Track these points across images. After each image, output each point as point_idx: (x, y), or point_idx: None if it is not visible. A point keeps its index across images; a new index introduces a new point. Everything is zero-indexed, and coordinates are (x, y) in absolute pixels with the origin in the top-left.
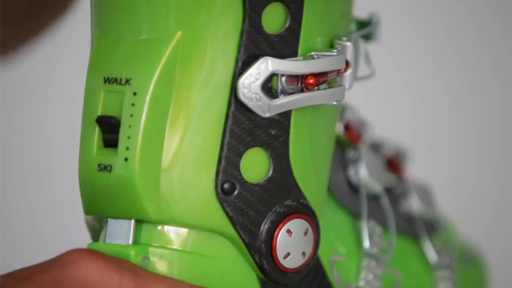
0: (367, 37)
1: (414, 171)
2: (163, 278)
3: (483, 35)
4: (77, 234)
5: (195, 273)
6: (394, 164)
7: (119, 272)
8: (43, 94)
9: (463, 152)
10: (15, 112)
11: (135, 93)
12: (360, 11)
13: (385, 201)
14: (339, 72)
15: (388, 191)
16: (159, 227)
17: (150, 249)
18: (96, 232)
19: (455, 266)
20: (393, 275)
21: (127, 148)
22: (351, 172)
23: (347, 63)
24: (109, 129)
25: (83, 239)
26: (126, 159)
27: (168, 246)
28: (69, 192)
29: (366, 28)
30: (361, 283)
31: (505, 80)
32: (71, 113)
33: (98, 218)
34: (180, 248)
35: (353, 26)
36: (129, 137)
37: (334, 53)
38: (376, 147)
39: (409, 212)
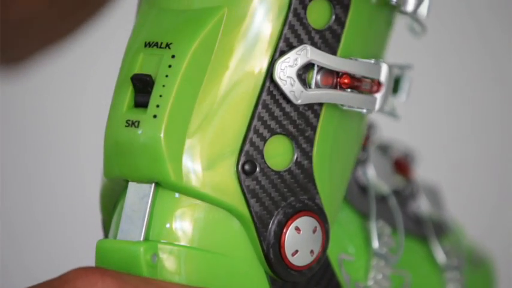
0: (394, 89)
1: (423, 172)
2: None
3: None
4: (77, 234)
5: (203, 269)
6: (402, 165)
7: None
8: (44, 94)
9: (471, 153)
10: (16, 112)
11: (173, 56)
12: None
13: (393, 202)
14: (372, 87)
15: (397, 192)
16: (167, 225)
17: (160, 245)
18: (108, 211)
19: (464, 268)
20: (402, 276)
21: (157, 106)
22: (359, 172)
23: (380, 83)
24: (142, 88)
25: (83, 239)
26: (154, 116)
27: (178, 243)
28: (70, 193)
29: (399, 64)
30: (370, 283)
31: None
32: (72, 114)
33: (115, 191)
34: (189, 245)
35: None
36: (161, 96)
37: (372, 61)
38: (384, 148)
39: (417, 214)
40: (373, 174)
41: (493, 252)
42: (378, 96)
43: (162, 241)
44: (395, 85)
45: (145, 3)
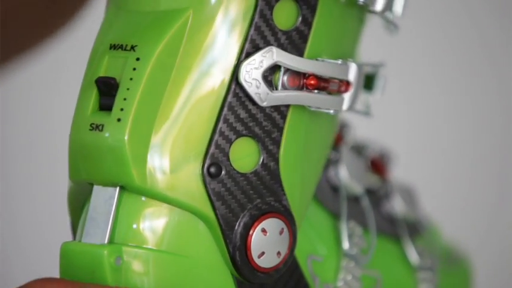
0: (369, 87)
1: (399, 173)
2: None
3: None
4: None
5: (171, 272)
6: (378, 165)
7: None
8: (44, 94)
9: (449, 153)
10: (16, 112)
11: (138, 59)
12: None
13: (365, 202)
14: (340, 87)
15: (372, 192)
16: (135, 225)
17: (124, 248)
18: (76, 213)
19: (437, 268)
20: (373, 276)
21: (121, 109)
22: (332, 173)
23: (348, 84)
24: (107, 91)
25: None
26: (118, 120)
27: (144, 246)
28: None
29: (371, 64)
30: (340, 284)
31: (487, 79)
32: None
33: (81, 194)
34: (156, 248)
35: (358, 58)
36: (125, 99)
37: (339, 62)
38: (360, 148)
39: (391, 214)
40: (346, 174)
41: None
42: (347, 96)
43: (127, 244)
44: (370, 83)
45: (112, 4)
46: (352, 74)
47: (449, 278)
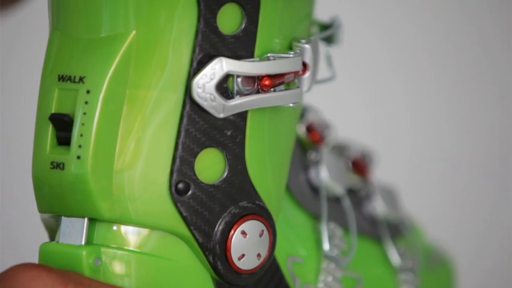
0: (329, 40)
1: (381, 173)
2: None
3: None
4: None
5: (151, 274)
6: (359, 166)
7: (63, 283)
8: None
9: (433, 152)
10: (16, 111)
11: (88, 91)
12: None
13: (346, 203)
14: (296, 74)
15: (353, 193)
16: (115, 227)
17: (103, 249)
18: (52, 231)
19: (419, 269)
20: (354, 278)
21: (79, 146)
22: (312, 174)
23: (305, 66)
24: (62, 127)
25: None
26: (78, 157)
27: (125, 247)
28: None
29: (326, 31)
30: (320, 285)
31: (479, 77)
32: None
33: (53, 216)
34: (136, 249)
35: (314, 29)
36: (81, 135)
37: (291, 55)
38: (341, 149)
39: (373, 215)
40: (326, 175)
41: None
42: (305, 78)
43: (107, 245)
44: (330, 36)
45: (54, 28)
46: (307, 56)
47: (431, 279)
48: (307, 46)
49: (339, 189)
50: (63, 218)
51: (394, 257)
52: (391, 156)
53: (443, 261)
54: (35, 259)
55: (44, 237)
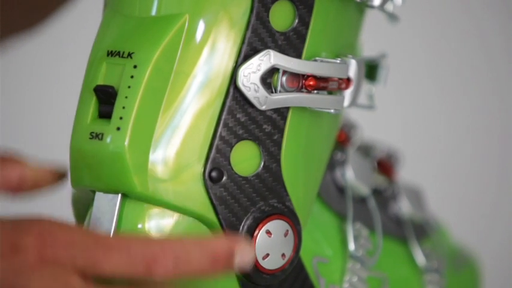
0: (372, 77)
1: (406, 173)
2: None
3: (476, 34)
4: None
5: None
6: (385, 166)
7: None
8: (44, 90)
9: (455, 154)
10: (16, 110)
11: (135, 66)
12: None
13: (372, 203)
14: (340, 85)
15: (379, 193)
16: (139, 225)
17: None
18: (80, 215)
19: (444, 270)
20: (379, 278)
21: (120, 118)
22: (338, 174)
23: (349, 80)
24: (105, 99)
25: None
26: (118, 129)
27: None
28: (69, 191)
29: (372, 57)
30: (345, 285)
31: (494, 83)
32: (71, 110)
33: (85, 194)
34: None
35: (359, 54)
36: (124, 107)
37: (338, 61)
38: (367, 149)
39: (398, 215)
40: (352, 175)
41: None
42: (347, 92)
43: None
44: (373, 73)
45: (109, 8)
46: (352, 71)
47: (457, 280)
48: (353, 61)
49: (364, 189)
50: (97, 195)
51: (420, 258)
52: (417, 156)
53: (469, 262)
54: None
55: None
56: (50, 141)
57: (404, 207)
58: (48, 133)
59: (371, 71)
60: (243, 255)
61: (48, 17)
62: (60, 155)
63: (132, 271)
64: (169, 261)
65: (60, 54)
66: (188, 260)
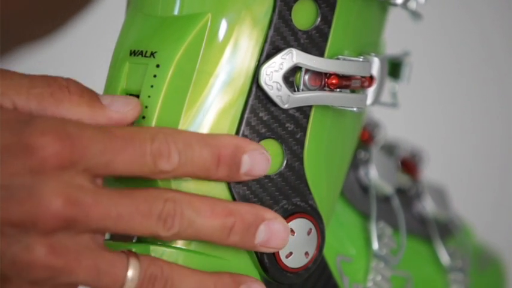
0: (395, 75)
1: (430, 172)
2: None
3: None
4: None
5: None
6: (409, 165)
7: None
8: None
9: (478, 153)
10: None
11: (158, 66)
12: None
13: (395, 202)
14: (363, 83)
15: (403, 192)
16: None
17: (152, 247)
18: None
19: (468, 269)
20: (403, 277)
21: (143, 117)
22: (362, 173)
23: (372, 78)
24: None
25: None
26: None
27: (172, 245)
28: None
29: (395, 55)
30: (369, 284)
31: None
32: None
33: None
34: (184, 247)
35: (382, 51)
36: (146, 107)
37: (360, 59)
38: (391, 148)
39: (422, 214)
40: (375, 174)
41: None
42: (370, 91)
43: (155, 243)
44: (397, 71)
45: (132, 8)
46: (375, 69)
47: (481, 279)
48: (376, 59)
49: (388, 188)
50: None
51: (444, 257)
52: (441, 155)
53: (494, 261)
54: None
55: None
56: None
57: (428, 206)
58: None
59: (394, 68)
60: (254, 161)
61: (61, 25)
62: None
63: (141, 168)
64: (175, 157)
65: (73, 61)
66: (192, 157)
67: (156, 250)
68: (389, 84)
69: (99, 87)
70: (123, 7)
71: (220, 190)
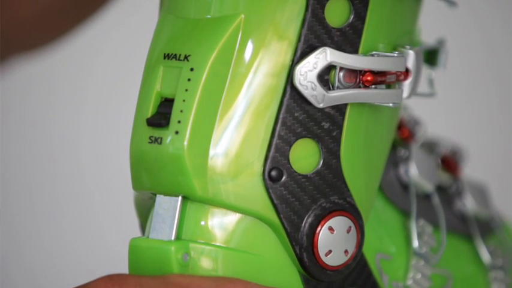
0: (432, 62)
1: (471, 170)
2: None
3: None
4: (77, 234)
5: (239, 270)
6: (449, 163)
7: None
8: (46, 93)
9: None
10: (17, 111)
11: (192, 69)
12: None
13: (436, 200)
14: (398, 77)
15: (443, 190)
16: (202, 222)
17: (191, 245)
18: (144, 216)
19: (509, 267)
20: (444, 275)
21: (179, 121)
22: (402, 171)
23: (407, 72)
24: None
25: (84, 239)
26: (176, 132)
27: (212, 243)
28: (70, 193)
29: (430, 45)
30: (409, 282)
31: None
32: (74, 113)
33: (146, 201)
34: (223, 244)
35: (418, 40)
36: (181, 111)
37: (395, 54)
38: (431, 146)
39: (463, 212)
40: (415, 172)
41: None
42: (406, 83)
43: (195, 241)
44: (433, 58)
45: (164, 11)
46: (410, 62)
47: None
48: (411, 52)
49: (428, 186)
50: (158, 197)
51: (485, 255)
52: (482, 153)
53: None
54: (35, 258)
55: (45, 237)
56: (107, 148)
57: (468, 204)
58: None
59: (430, 55)
60: None
61: (65, 34)
62: (119, 159)
63: None
64: None
65: (82, 69)
66: None
67: (195, 248)
68: (425, 71)
69: (100, 93)
70: (125, 18)
71: (258, 192)
